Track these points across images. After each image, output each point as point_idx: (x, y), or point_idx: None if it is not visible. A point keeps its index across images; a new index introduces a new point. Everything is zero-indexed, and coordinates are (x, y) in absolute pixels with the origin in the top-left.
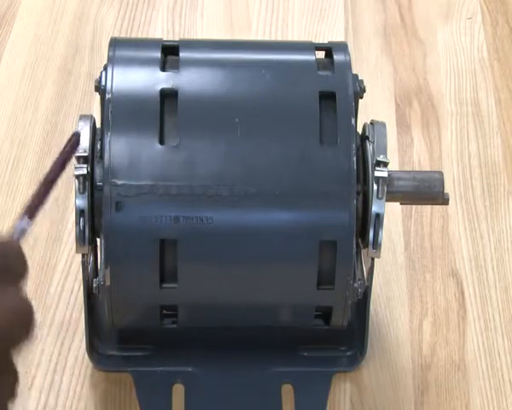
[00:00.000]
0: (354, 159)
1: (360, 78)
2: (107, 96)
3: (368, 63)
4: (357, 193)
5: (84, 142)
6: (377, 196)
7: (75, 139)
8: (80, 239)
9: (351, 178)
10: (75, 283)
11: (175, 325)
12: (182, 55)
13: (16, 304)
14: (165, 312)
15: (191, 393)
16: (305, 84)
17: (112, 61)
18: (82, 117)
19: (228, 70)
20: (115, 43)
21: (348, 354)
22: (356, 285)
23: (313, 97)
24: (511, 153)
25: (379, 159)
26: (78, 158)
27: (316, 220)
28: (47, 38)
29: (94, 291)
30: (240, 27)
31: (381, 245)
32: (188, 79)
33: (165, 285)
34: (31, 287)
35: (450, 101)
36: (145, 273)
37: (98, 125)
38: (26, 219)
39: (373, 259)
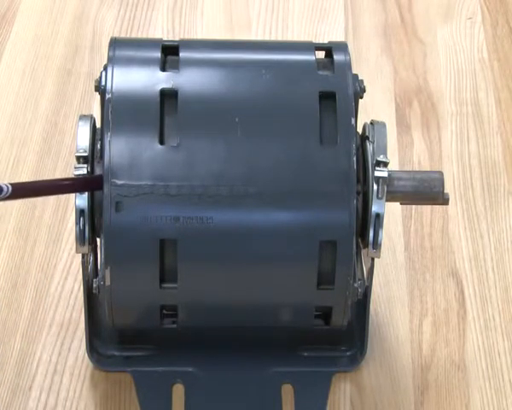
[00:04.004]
0: (354, 159)
1: (360, 78)
2: (107, 96)
3: (368, 63)
4: (357, 193)
5: (84, 142)
6: (377, 196)
7: (94, 178)
8: (80, 239)
9: (351, 178)
10: (75, 283)
11: (175, 325)
12: (182, 55)
13: None
14: (165, 312)
15: (191, 393)
16: (305, 84)
17: (112, 61)
18: (82, 117)
19: (228, 70)
20: (115, 43)
21: (348, 354)
22: (356, 285)
23: (313, 97)
24: (511, 153)
25: (379, 159)
26: (78, 158)
27: (316, 220)
28: (47, 38)
29: (94, 291)
30: (240, 27)
31: (381, 245)
32: (188, 79)
33: (165, 285)
34: (31, 287)
35: (450, 101)
36: (145, 273)
37: (98, 125)
38: (8, 184)
39: (373, 259)
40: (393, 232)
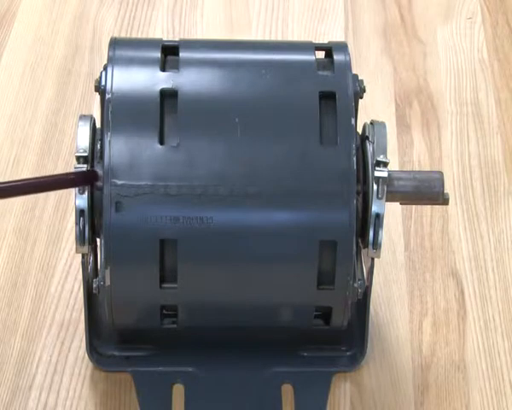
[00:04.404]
0: (354, 159)
1: (360, 78)
2: (107, 96)
3: (368, 63)
4: (357, 193)
5: (84, 142)
6: (377, 196)
7: (82, 175)
8: (80, 239)
9: (351, 178)
10: (75, 283)
11: (175, 325)
12: (182, 55)
13: None
14: (165, 312)
15: (191, 393)
16: (305, 84)
17: (112, 61)
18: (82, 117)
19: (228, 70)
20: (115, 43)
21: (348, 354)
22: (356, 285)
23: (313, 97)
24: (511, 153)
25: (379, 159)
26: (78, 158)
27: (316, 220)
28: (47, 38)
29: (94, 291)
30: (240, 27)
31: (381, 245)
32: (188, 79)
33: (165, 285)
34: (31, 287)
35: (450, 101)
36: (145, 273)
37: (98, 125)
38: None
39: (373, 259)
40: (393, 232)
